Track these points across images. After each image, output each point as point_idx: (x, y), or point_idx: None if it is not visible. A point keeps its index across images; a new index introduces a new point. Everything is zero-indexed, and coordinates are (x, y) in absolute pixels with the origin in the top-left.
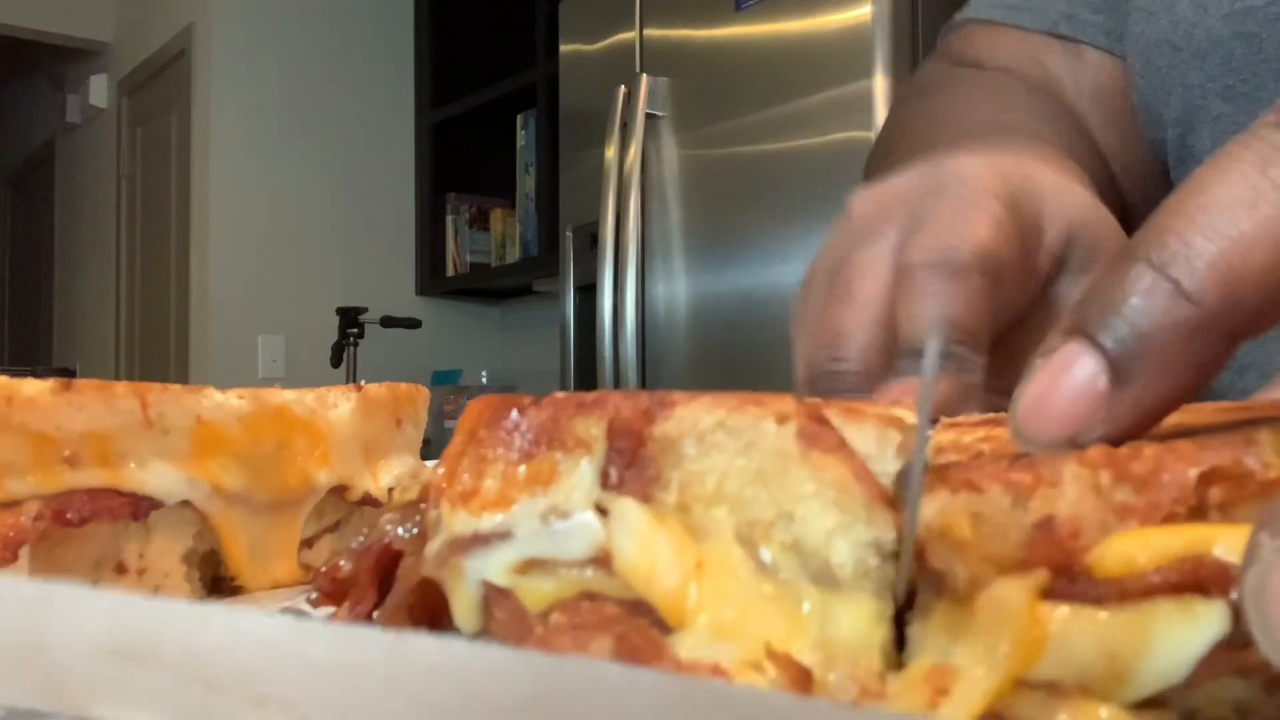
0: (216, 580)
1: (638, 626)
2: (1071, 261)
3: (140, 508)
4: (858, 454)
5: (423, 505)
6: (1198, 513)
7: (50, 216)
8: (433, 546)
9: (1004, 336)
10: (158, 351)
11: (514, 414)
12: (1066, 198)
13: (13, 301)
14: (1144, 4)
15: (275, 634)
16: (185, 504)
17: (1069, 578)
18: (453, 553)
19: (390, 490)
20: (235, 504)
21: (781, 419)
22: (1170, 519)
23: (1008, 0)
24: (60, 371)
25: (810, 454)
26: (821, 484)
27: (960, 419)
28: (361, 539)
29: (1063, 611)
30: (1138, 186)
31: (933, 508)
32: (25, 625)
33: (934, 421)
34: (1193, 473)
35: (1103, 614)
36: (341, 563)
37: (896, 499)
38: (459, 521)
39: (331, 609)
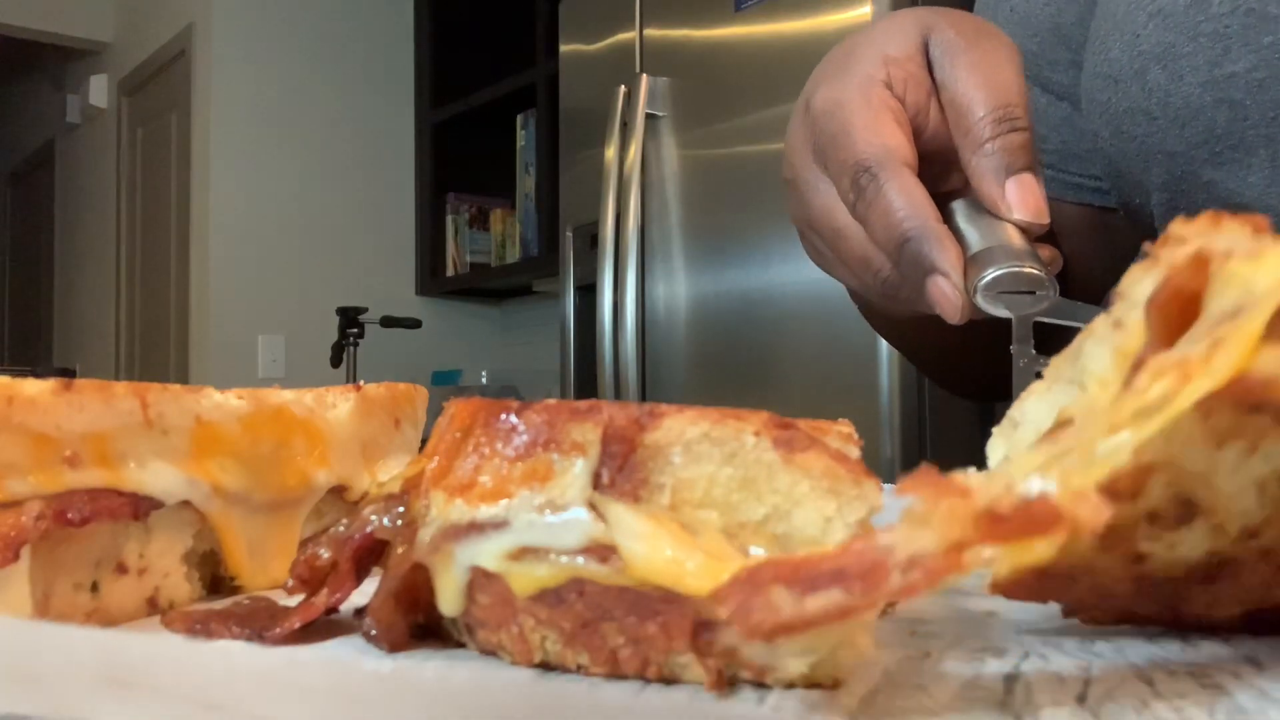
0: (216, 580)
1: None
2: (934, 58)
3: (140, 508)
4: (830, 444)
5: (406, 497)
6: None
7: (50, 216)
8: (426, 533)
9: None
10: (158, 351)
11: (511, 416)
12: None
13: (13, 301)
14: (1107, 71)
15: (268, 666)
16: (185, 504)
17: None
18: (446, 539)
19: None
20: (235, 504)
21: (757, 433)
22: None
23: None
24: (60, 371)
25: (794, 458)
26: (813, 479)
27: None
28: (341, 528)
29: None
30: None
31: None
32: (18, 661)
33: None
34: None
35: None
36: (320, 551)
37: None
38: (455, 510)
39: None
